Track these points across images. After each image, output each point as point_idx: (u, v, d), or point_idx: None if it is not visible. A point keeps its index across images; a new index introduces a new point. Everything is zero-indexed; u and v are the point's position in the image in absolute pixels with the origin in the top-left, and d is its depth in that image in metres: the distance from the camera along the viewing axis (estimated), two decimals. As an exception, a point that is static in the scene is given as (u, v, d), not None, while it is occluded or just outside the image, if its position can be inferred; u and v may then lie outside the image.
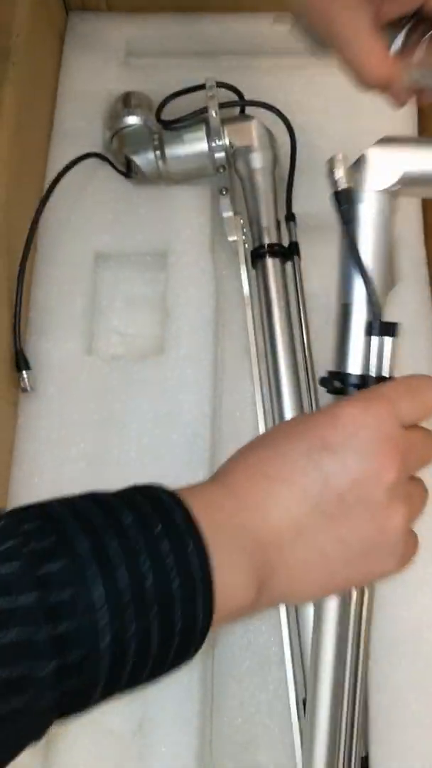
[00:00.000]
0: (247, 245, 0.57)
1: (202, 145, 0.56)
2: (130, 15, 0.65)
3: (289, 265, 0.55)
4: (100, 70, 0.63)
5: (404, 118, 0.62)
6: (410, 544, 0.32)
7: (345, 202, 0.36)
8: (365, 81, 0.39)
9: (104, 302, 0.60)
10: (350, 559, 0.30)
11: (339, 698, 0.37)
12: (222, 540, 0.26)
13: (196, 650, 0.26)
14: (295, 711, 0.48)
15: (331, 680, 0.37)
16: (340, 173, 0.36)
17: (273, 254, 0.53)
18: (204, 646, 0.26)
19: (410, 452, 0.31)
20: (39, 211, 0.56)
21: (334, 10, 0.38)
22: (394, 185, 0.36)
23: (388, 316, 0.36)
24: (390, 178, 0.36)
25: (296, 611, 0.49)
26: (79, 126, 0.62)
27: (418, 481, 0.33)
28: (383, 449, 0.30)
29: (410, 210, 0.58)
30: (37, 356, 0.55)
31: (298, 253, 0.55)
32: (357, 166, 0.36)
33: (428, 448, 0.32)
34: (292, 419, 0.34)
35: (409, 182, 0.36)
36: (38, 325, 0.56)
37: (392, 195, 0.36)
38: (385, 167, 0.36)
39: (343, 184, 0.36)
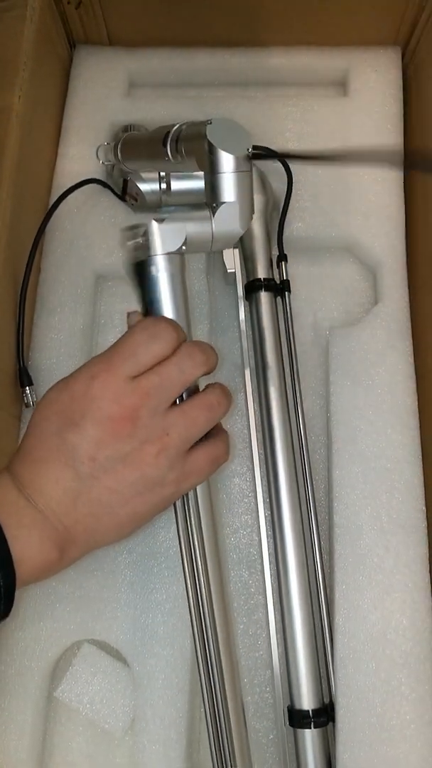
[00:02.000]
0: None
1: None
2: (131, 50, 0.68)
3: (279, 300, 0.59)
4: (104, 101, 0.67)
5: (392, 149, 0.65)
6: (188, 465, 0.39)
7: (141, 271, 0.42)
8: None
9: (104, 321, 0.63)
10: (129, 500, 0.38)
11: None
12: (13, 517, 0.35)
13: (6, 610, 0.35)
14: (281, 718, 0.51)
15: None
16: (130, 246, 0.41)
17: (268, 288, 0.57)
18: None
19: (149, 397, 0.37)
20: (39, 234, 0.59)
21: None
22: (179, 248, 0.41)
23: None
24: (176, 242, 0.41)
25: (282, 614, 0.51)
26: (83, 155, 0.65)
27: (177, 409, 0.39)
28: (114, 411, 0.36)
29: (394, 237, 0.61)
30: (40, 372, 0.58)
31: (289, 289, 0.58)
32: (145, 236, 0.41)
33: (169, 381, 0.38)
34: (54, 390, 0.39)
35: (190, 243, 0.42)
36: (41, 343, 0.60)
37: (179, 255, 0.42)
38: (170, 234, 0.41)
39: (138, 258, 0.41)
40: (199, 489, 0.43)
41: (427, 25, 0.63)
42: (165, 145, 0.45)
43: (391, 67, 0.67)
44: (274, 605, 0.52)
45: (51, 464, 0.37)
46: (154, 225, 0.41)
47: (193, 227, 0.42)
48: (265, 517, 0.54)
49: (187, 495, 0.43)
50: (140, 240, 0.41)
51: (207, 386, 0.42)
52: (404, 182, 0.63)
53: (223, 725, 0.44)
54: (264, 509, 0.54)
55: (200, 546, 0.43)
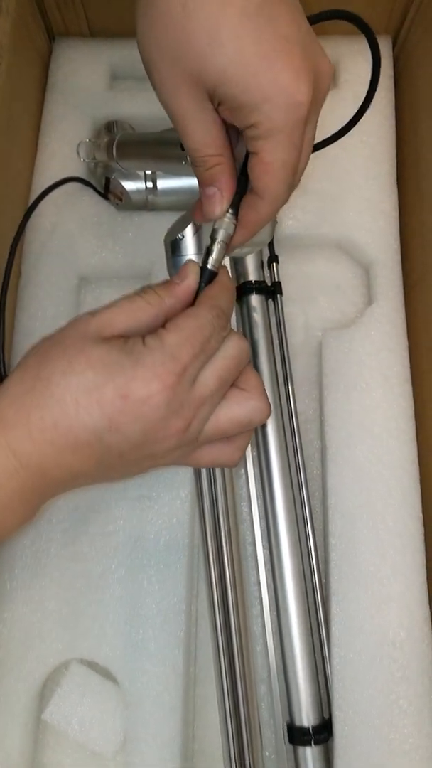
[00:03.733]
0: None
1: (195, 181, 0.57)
2: (113, 41, 0.66)
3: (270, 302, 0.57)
4: (85, 96, 0.64)
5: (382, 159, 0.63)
6: (192, 456, 0.36)
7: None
8: (193, 152, 0.35)
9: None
10: (128, 468, 0.33)
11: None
12: None
13: None
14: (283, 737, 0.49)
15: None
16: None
17: (259, 291, 0.55)
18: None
19: (204, 406, 0.33)
20: (18, 235, 0.57)
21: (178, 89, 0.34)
22: None
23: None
24: None
25: (279, 627, 0.50)
26: (63, 151, 0.62)
27: (214, 421, 0.34)
28: (169, 424, 0.32)
29: (388, 234, 0.59)
30: (22, 380, 0.56)
31: (281, 291, 0.56)
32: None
33: (225, 385, 0.34)
34: (83, 377, 0.30)
35: None
36: (22, 349, 0.57)
37: None
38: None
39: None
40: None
41: (419, 13, 0.61)
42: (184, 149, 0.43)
43: (384, 56, 0.65)
44: (270, 617, 0.50)
45: (77, 453, 0.31)
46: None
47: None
48: (260, 526, 0.52)
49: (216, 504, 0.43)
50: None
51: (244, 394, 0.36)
52: (397, 177, 0.61)
53: (243, 738, 0.45)
54: (258, 518, 0.52)
55: (228, 550, 0.44)
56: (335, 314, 0.60)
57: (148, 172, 0.57)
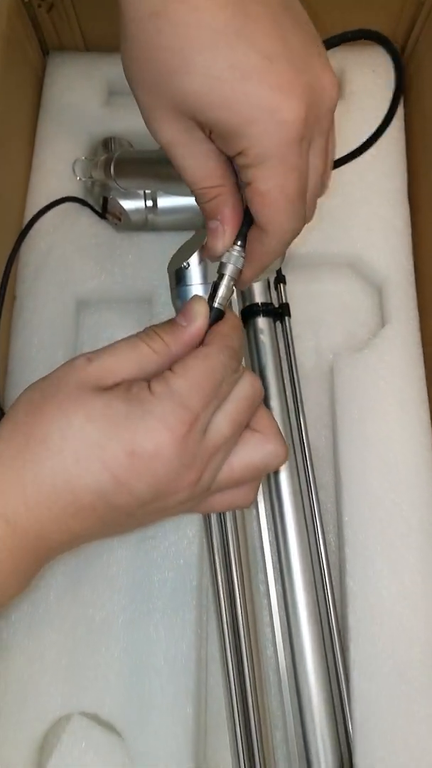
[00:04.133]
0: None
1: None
2: (109, 55, 0.64)
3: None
4: (81, 111, 0.62)
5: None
6: (204, 503, 0.32)
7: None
8: (191, 185, 0.32)
9: (86, 351, 0.57)
10: (133, 524, 0.31)
11: None
12: None
13: None
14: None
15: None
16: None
17: (266, 313, 0.52)
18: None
19: (217, 455, 0.30)
20: (12, 257, 0.54)
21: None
22: None
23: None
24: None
25: (295, 671, 0.46)
26: (59, 169, 0.60)
27: (227, 470, 0.32)
28: (181, 478, 0.29)
29: (400, 252, 0.56)
30: (17, 411, 0.53)
31: (289, 313, 0.53)
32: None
33: (238, 431, 0.31)
34: (84, 433, 0.27)
35: None
36: (18, 378, 0.54)
37: None
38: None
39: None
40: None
41: (427, 21, 0.59)
42: None
43: (389, 67, 0.62)
44: (285, 662, 0.47)
45: (78, 515, 0.28)
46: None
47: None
48: (272, 563, 0.49)
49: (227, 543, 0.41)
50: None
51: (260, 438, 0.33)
52: (409, 192, 0.58)
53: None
54: (270, 555, 0.49)
55: (240, 592, 0.42)
56: (346, 337, 0.57)
57: (148, 190, 0.55)
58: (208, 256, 0.33)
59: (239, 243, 0.32)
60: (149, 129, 0.30)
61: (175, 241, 0.58)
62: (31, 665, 0.48)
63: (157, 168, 0.49)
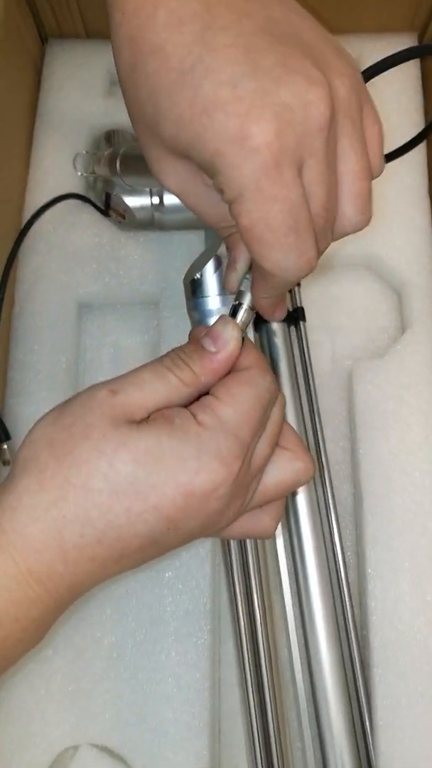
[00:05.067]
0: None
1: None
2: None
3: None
4: (82, 103, 0.58)
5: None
6: (224, 531, 0.30)
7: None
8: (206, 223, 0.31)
9: (90, 357, 0.55)
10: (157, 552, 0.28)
11: None
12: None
13: None
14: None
15: None
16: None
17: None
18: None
19: (254, 481, 0.29)
20: (11, 259, 0.51)
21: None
22: None
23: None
24: None
25: (315, 703, 0.44)
26: (59, 165, 0.57)
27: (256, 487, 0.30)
28: (228, 510, 0.27)
29: (421, 252, 0.54)
30: (18, 422, 0.50)
31: (303, 317, 0.50)
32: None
33: (271, 449, 0.30)
34: (133, 478, 0.25)
35: None
36: (18, 387, 0.51)
37: None
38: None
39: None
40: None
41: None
42: None
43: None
44: (305, 694, 0.45)
45: (119, 562, 0.26)
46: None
47: None
48: (289, 586, 0.46)
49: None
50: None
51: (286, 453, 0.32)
52: (430, 189, 0.55)
53: None
54: (288, 573, 0.47)
55: (262, 617, 0.40)
56: (365, 342, 0.54)
57: (155, 187, 0.52)
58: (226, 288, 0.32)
59: None
60: (149, 167, 0.30)
61: (183, 240, 0.55)
62: (35, 692, 0.45)
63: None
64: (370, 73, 0.32)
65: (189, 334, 0.32)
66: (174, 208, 0.52)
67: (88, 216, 0.55)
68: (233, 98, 0.24)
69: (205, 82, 0.24)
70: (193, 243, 0.54)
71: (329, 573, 0.45)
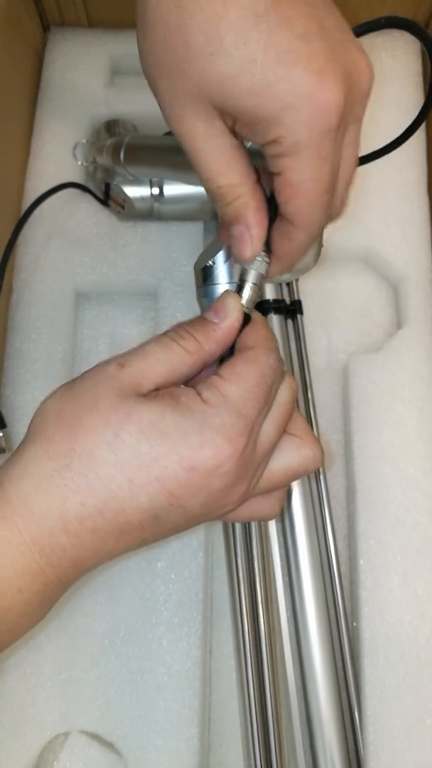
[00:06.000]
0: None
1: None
2: (114, 32, 0.60)
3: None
4: (82, 92, 0.58)
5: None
6: (230, 514, 0.30)
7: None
8: (207, 183, 0.30)
9: (86, 347, 0.55)
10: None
11: None
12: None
13: None
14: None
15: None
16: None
17: (278, 311, 0.49)
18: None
19: (264, 461, 0.29)
20: (9, 247, 0.51)
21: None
22: None
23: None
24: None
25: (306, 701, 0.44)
26: (59, 153, 0.56)
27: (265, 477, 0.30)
28: (233, 490, 0.27)
29: (418, 248, 0.54)
30: (14, 411, 0.50)
31: (301, 311, 0.50)
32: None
33: (281, 433, 0.30)
34: (138, 450, 0.25)
35: None
36: (14, 376, 0.51)
37: None
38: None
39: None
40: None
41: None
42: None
43: (408, 52, 0.59)
44: (294, 669, 0.45)
45: (123, 538, 0.26)
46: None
47: None
48: (282, 573, 0.47)
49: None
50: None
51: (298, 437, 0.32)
52: (428, 185, 0.56)
53: None
54: (280, 564, 0.47)
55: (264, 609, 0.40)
56: (361, 337, 0.54)
57: (155, 177, 0.52)
58: (238, 262, 0.32)
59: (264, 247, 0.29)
60: (167, 118, 0.28)
61: (181, 231, 0.55)
62: (27, 679, 0.45)
63: (175, 156, 0.46)
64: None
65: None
66: (173, 199, 0.52)
67: (88, 205, 0.55)
68: (308, 53, 0.24)
69: (280, 30, 0.24)
70: (191, 234, 0.54)
71: (321, 565, 0.46)
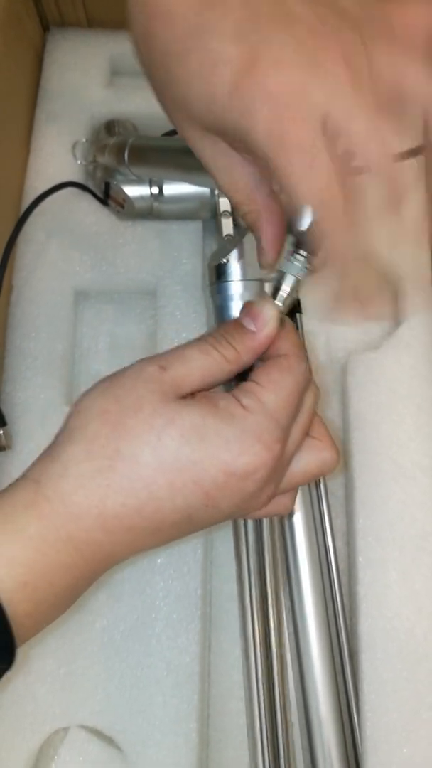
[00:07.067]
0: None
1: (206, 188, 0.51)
2: (114, 32, 0.60)
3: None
4: (82, 92, 0.59)
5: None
6: (249, 513, 0.31)
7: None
8: (226, 195, 0.31)
9: (86, 345, 0.55)
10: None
11: None
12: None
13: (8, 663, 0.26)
14: None
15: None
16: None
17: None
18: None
19: (287, 467, 0.30)
20: (9, 246, 0.51)
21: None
22: None
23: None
24: None
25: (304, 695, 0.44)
26: (58, 153, 0.57)
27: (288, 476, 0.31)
28: (263, 493, 0.28)
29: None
30: (14, 408, 0.50)
31: (300, 309, 0.51)
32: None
33: (304, 435, 0.31)
34: (180, 453, 0.26)
35: None
36: (14, 373, 0.52)
37: None
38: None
39: None
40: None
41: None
42: None
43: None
44: (292, 665, 0.45)
45: (156, 534, 0.27)
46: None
47: None
48: (282, 577, 0.47)
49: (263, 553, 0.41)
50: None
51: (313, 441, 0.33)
52: (426, 178, 0.56)
53: None
54: (281, 567, 0.47)
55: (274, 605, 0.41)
56: (360, 334, 0.54)
57: (155, 177, 0.52)
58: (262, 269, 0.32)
59: (301, 252, 0.29)
60: (180, 136, 0.30)
61: (181, 230, 0.55)
62: (27, 674, 0.46)
63: (180, 157, 0.46)
64: None
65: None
66: (173, 198, 0.52)
67: (87, 204, 0.56)
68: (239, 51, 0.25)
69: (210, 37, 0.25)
70: (191, 233, 0.54)
71: (320, 561, 0.46)
